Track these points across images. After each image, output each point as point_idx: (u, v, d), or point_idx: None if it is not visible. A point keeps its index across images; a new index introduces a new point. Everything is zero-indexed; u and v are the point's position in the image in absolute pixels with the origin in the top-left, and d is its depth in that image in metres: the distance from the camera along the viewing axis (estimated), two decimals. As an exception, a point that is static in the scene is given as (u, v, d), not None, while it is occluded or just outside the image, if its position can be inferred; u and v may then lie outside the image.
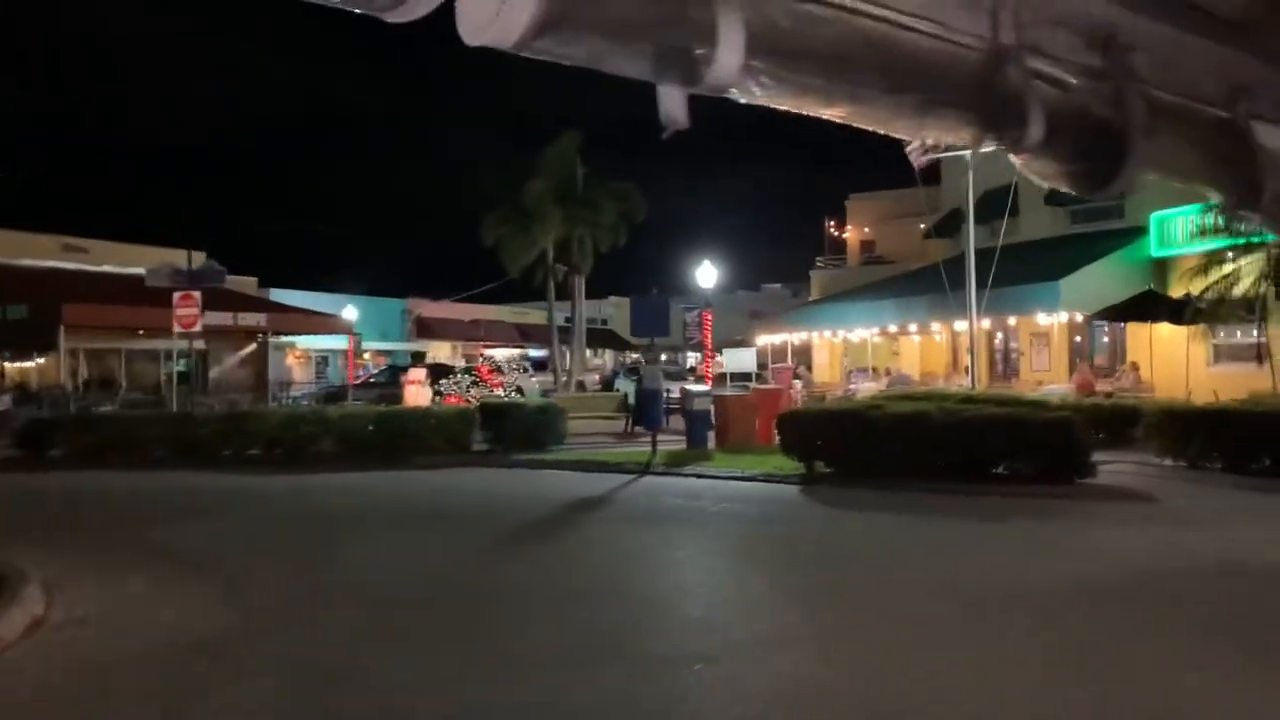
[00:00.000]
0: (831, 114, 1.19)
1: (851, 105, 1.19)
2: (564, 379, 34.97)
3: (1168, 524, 11.27)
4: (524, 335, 53.00)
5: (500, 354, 47.76)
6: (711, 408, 20.10)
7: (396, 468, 17.60)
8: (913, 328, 28.91)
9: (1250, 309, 19.62)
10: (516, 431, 19.60)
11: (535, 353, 49.23)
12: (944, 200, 31.36)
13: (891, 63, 1.10)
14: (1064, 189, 1.51)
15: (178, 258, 23.85)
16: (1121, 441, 17.45)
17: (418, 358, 35.08)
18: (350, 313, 39.84)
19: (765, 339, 35.36)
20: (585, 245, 34.41)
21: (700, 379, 35.85)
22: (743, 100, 1.11)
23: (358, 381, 36.69)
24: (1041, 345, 27.93)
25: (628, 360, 52.17)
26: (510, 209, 32.63)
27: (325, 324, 35.12)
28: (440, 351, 47.96)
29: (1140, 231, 25.66)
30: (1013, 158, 1.39)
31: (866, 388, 27.00)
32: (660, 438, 20.57)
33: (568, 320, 39.76)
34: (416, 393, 25.03)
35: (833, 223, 47.31)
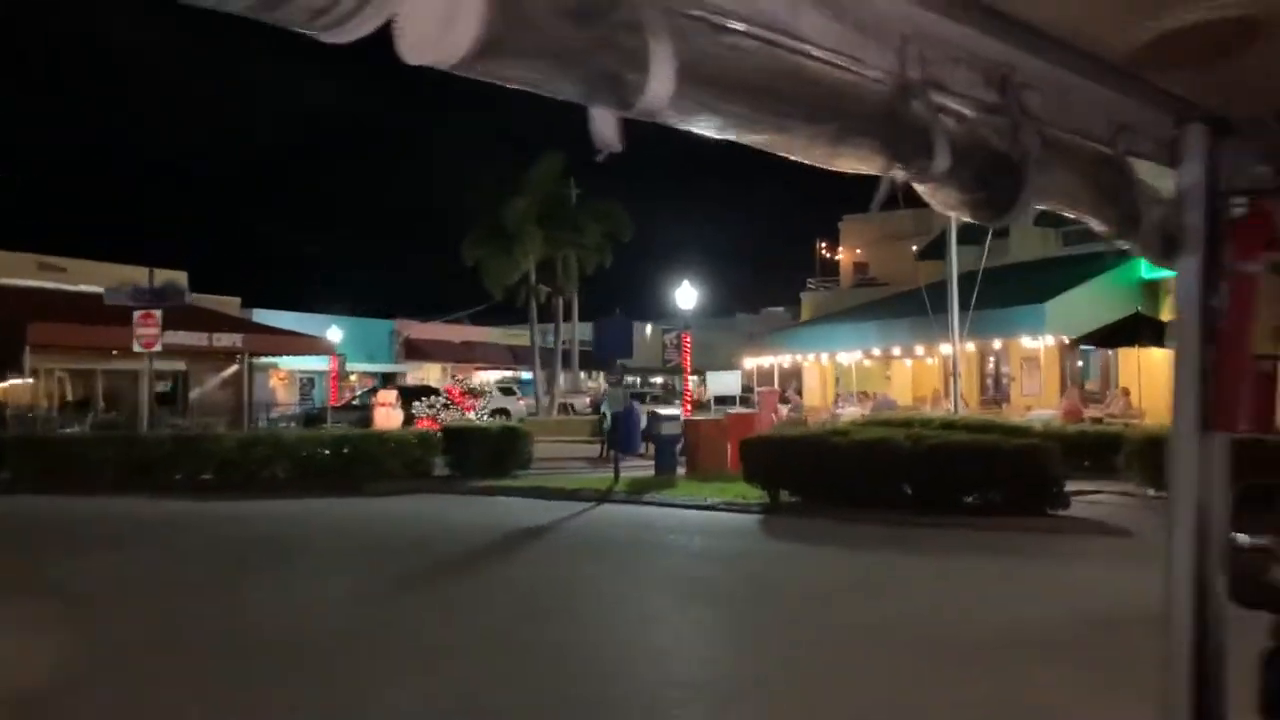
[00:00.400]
0: (755, 140, 1.30)
1: (774, 133, 1.27)
2: (549, 401, 34.25)
3: (1136, 561, 10.42)
4: (517, 358, 52.29)
5: (491, 376, 47.18)
6: (681, 433, 19.39)
7: (350, 494, 16.92)
8: (896, 350, 28.13)
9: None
10: (478, 456, 18.92)
11: (528, 375, 48.54)
12: (935, 222, 30.71)
13: (811, 93, 1.24)
14: (965, 217, 1.57)
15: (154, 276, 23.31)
16: (1105, 470, 16.66)
17: (388, 379, 34.28)
18: (334, 334, 39.19)
19: (754, 361, 34.57)
20: (569, 266, 33.75)
21: (698, 403, 35.18)
22: (675, 125, 1.18)
23: (340, 404, 36.06)
24: (1033, 369, 27.13)
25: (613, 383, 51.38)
26: (492, 229, 32.01)
27: (305, 345, 34.48)
28: (431, 374, 47.29)
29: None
30: (918, 186, 1.45)
31: (850, 412, 26.22)
32: (634, 463, 19.92)
33: (565, 342, 39.17)
34: (387, 415, 24.33)
35: (825, 244, 46.64)
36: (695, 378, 43.16)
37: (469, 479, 18.31)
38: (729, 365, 35.79)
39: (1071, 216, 1.65)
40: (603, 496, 16.24)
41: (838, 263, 45.20)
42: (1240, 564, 1.52)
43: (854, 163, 1.26)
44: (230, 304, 38.23)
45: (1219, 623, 1.63)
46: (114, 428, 27.91)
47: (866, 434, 14.89)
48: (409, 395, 28.60)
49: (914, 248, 35.31)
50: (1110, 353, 25.08)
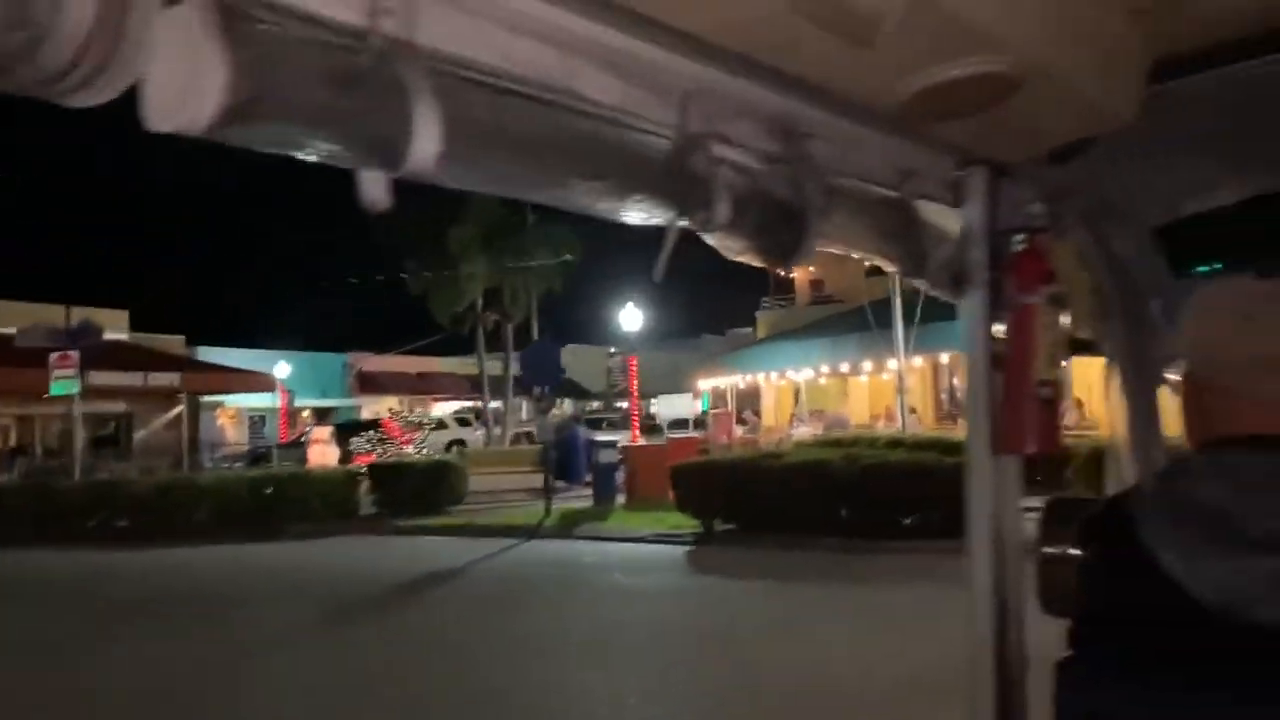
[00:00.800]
0: (536, 197, 1.26)
1: (554, 190, 1.20)
2: (500, 431, 33.39)
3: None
4: (476, 388, 51.35)
5: (451, 406, 46.14)
6: (619, 460, 18.65)
7: (267, 539, 16.05)
8: (845, 368, 27.54)
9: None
10: (407, 494, 18.09)
11: (492, 404, 47.53)
12: (886, 235, 30.14)
13: (591, 151, 1.19)
14: (752, 262, 1.53)
15: (95, 316, 22.32)
16: (1057, 484, 16.01)
17: (323, 415, 33.27)
18: (283, 369, 38.23)
19: (709, 382, 33.86)
20: (518, 293, 32.98)
21: (652, 428, 34.34)
22: (447, 185, 1.09)
23: (287, 441, 35.04)
24: (988, 382, 26.60)
25: (582, 411, 50.35)
26: (437, 257, 31.20)
27: (248, 382, 33.51)
28: (387, 407, 46.23)
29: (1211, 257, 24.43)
30: (706, 237, 1.44)
31: (802, 432, 25.60)
32: (579, 493, 19.23)
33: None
34: (322, 453, 23.42)
35: (780, 262, 46.01)
36: (651, 401, 42.51)
37: (397, 518, 17.49)
38: (694, 388, 35.02)
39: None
40: (531, 532, 15.47)
41: (793, 280, 44.73)
42: (1048, 575, 1.58)
43: (641, 216, 1.26)
44: (173, 342, 37.16)
45: (1018, 630, 1.73)
46: (49, 474, 26.85)
47: (801, 456, 14.23)
48: (349, 430, 27.72)
49: (865, 263, 34.84)
50: (1065, 364, 24.56)
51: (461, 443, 35.20)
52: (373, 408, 44.64)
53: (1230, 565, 1.15)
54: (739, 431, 30.23)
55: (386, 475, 18.65)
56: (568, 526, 15.72)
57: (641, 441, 23.44)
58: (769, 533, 13.26)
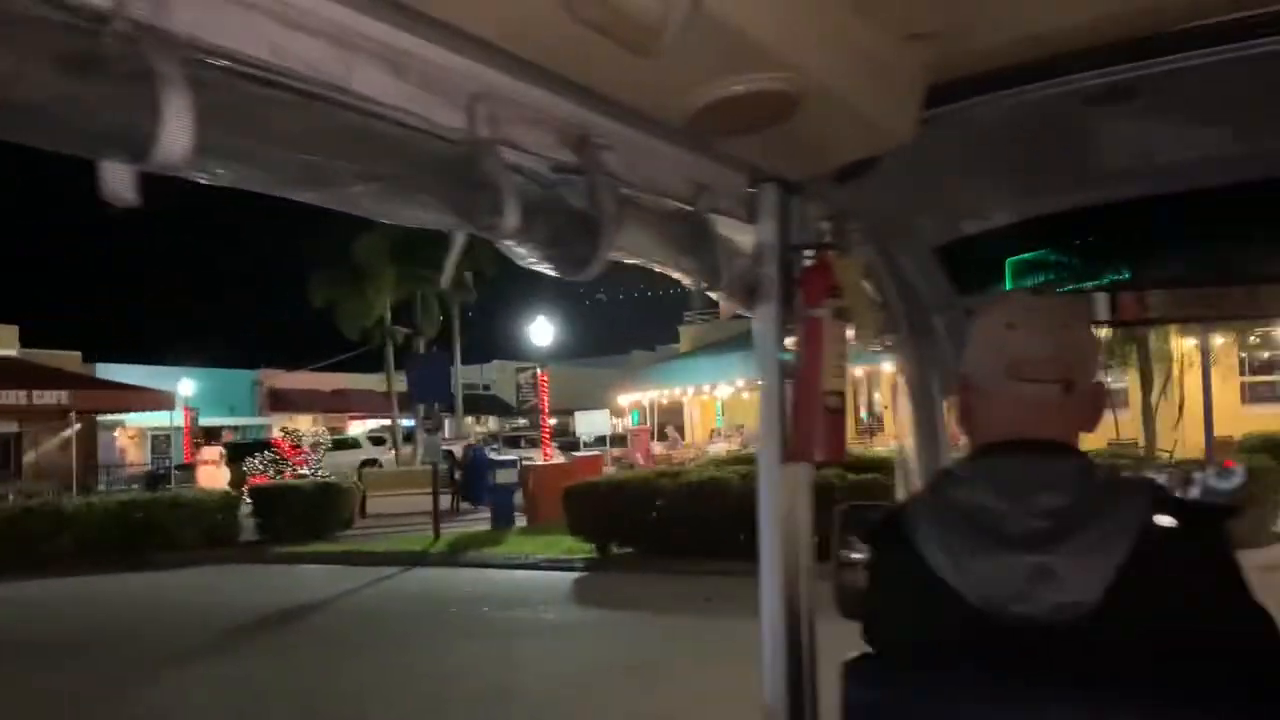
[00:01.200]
0: (308, 198, 1.12)
1: (328, 190, 1.10)
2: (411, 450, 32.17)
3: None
4: (397, 404, 49.87)
5: (369, 424, 44.62)
6: (518, 480, 17.70)
7: (132, 569, 14.80)
8: (740, 382, 26.94)
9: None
10: (291, 519, 16.92)
11: (408, 423, 46.14)
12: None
13: (368, 152, 1.11)
14: (544, 270, 1.44)
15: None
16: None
17: (212, 434, 31.69)
18: (186, 386, 36.60)
19: (629, 398, 33.04)
20: (430, 306, 31.79)
21: (571, 446, 33.37)
22: (202, 179, 1.00)
23: (190, 462, 33.40)
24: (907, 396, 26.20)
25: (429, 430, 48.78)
26: (343, 268, 29.92)
27: (145, 399, 31.77)
28: (301, 425, 44.54)
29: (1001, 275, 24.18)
30: (499, 243, 1.36)
31: (717, 449, 24.92)
32: (483, 515, 18.28)
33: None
34: (212, 474, 22.01)
35: (705, 275, 45.47)
36: (578, 416, 41.55)
37: (279, 544, 16.34)
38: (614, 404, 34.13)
39: (656, 269, 1.68)
40: (416, 559, 14.47)
41: (719, 293, 44.14)
42: (842, 580, 1.63)
43: (420, 219, 1.21)
44: (68, 359, 35.29)
45: (808, 632, 1.80)
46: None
47: (699, 475, 13.44)
48: (247, 450, 26.34)
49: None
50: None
51: (375, 462, 33.87)
52: (286, 426, 43.06)
53: (991, 563, 1.23)
54: (658, 448, 29.49)
55: (270, 499, 17.45)
56: (456, 553, 14.75)
57: (557, 459, 22.53)
58: (666, 557, 12.48)
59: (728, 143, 1.56)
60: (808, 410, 1.78)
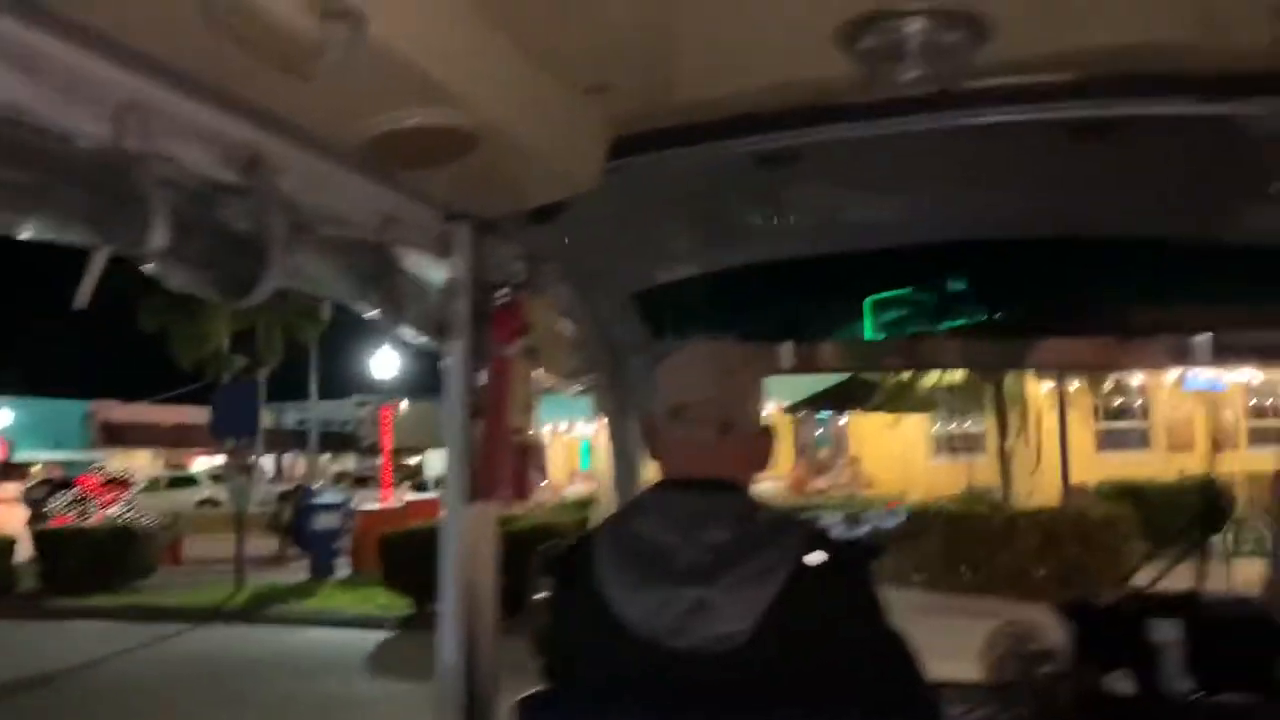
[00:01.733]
0: None
1: None
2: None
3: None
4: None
5: (215, 460, 41.82)
6: (342, 526, 16.13)
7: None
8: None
9: (950, 399, 17.55)
10: (79, 566, 14.94)
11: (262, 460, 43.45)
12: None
13: None
14: (201, 294, 1.39)
15: None
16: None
17: (12, 470, 28.92)
18: (3, 417, 33.52)
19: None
20: (272, 336, 29.79)
21: (420, 486, 31.65)
22: None
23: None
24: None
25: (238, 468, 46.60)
26: (175, 292, 27.73)
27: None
28: (138, 461, 41.48)
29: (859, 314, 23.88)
30: (145, 267, 1.24)
31: (575, 490, 23.76)
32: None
33: (300, 423, 34.89)
34: (6, 514, 19.68)
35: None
36: (430, 455, 39.78)
37: (60, 595, 14.40)
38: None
39: (332, 299, 1.68)
40: (211, 615, 12.80)
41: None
42: (535, 620, 1.56)
43: (49, 232, 1.12)
44: None
45: (488, 674, 1.84)
46: None
47: (528, 521, 12.23)
48: (58, 489, 23.88)
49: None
50: (842, 421, 23.90)
51: (214, 502, 31.53)
52: (121, 463, 39.88)
53: (658, 596, 1.29)
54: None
55: (54, 544, 15.43)
56: (259, 607, 13.13)
57: (396, 503, 20.98)
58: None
59: (415, 177, 1.58)
60: (496, 448, 1.84)
